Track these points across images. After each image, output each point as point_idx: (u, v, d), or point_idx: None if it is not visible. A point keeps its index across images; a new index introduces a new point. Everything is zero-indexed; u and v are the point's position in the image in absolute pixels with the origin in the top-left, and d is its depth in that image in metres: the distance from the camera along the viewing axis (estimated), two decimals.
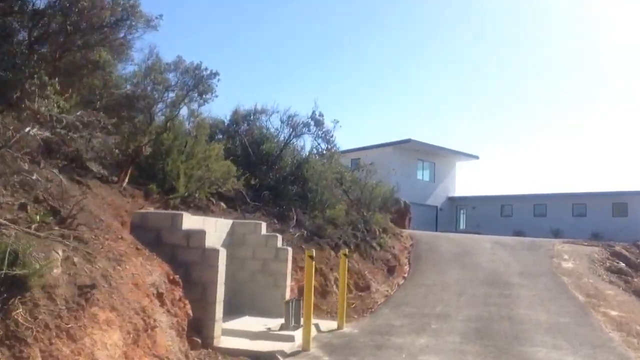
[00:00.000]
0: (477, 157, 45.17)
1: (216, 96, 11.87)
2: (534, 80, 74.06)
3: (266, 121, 17.46)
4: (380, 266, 15.65)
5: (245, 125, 16.88)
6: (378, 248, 16.54)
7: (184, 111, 12.40)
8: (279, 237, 10.83)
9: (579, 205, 40.15)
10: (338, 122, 16.92)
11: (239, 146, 16.37)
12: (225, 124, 16.95)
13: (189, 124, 12.67)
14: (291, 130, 16.63)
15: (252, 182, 14.49)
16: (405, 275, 16.37)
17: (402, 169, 41.30)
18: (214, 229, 10.07)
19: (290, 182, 16.17)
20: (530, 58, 72.98)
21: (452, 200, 45.14)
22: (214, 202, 12.89)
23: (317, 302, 12.15)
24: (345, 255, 11.11)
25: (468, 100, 73.57)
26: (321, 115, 16.63)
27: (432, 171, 44.08)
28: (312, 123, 16.71)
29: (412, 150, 41.67)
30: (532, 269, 16.97)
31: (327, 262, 13.43)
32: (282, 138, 16.87)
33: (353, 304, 12.63)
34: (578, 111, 74.86)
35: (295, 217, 14.47)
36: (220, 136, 16.54)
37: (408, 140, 39.40)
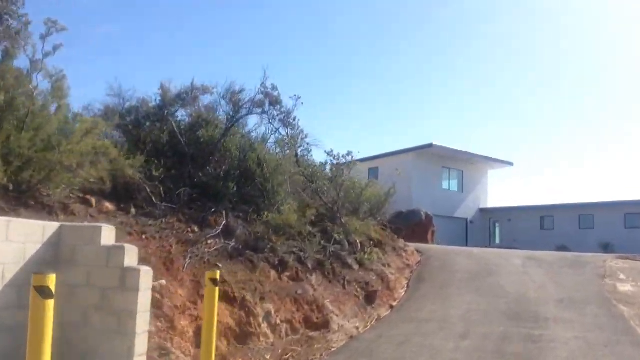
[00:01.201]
0: (511, 164, 39.95)
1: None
2: (573, 79, 68.09)
3: (213, 102, 13.22)
4: (354, 292, 11.05)
5: (178, 107, 12.67)
6: (356, 266, 11.96)
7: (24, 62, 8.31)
8: (131, 249, 6.39)
9: (633, 216, 34.43)
10: (299, 98, 12.55)
11: (166, 134, 12.15)
12: (155, 106, 12.76)
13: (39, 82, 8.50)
14: (234, 109, 12.33)
15: (156, 173, 10.19)
16: (394, 303, 11.72)
17: (424, 178, 36.51)
18: (4, 237, 5.83)
19: (234, 177, 11.82)
20: (569, 55, 67.17)
21: (484, 212, 39.96)
22: (81, 198, 8.65)
23: (231, 352, 7.73)
24: (212, 280, 6.56)
25: (497, 101, 67.88)
26: (274, 88, 12.32)
27: (460, 180, 39.08)
28: (267, 102, 12.40)
29: (435, 157, 36.85)
30: (575, 294, 12.08)
31: (258, 289, 8.96)
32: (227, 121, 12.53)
33: (289, 353, 8.11)
34: (626, 111, 68.25)
35: (224, 222, 10.11)
36: (144, 120, 12.38)
37: (430, 145, 34.65)
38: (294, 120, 12.63)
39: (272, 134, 13.10)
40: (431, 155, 36.58)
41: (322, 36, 68.18)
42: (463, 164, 38.81)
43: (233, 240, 9.72)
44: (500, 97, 67.30)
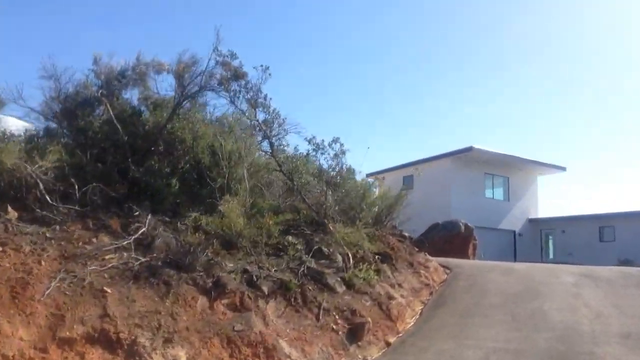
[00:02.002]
0: (563, 169, 35.82)
1: None
2: (633, 75, 62.62)
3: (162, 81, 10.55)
4: (332, 324, 8.02)
5: (121, 86, 10.05)
6: (340, 289, 8.92)
7: None
8: None
9: None
10: (267, 69, 9.65)
11: (104, 120, 9.56)
12: (95, 88, 10.19)
13: None
14: (180, 85, 9.58)
15: (44, 163, 7.51)
16: (393, 339, 8.62)
17: (464, 185, 32.91)
18: None
19: (181, 172, 9.08)
20: (632, 48, 61.88)
21: (534, 222, 35.89)
22: None
23: None
24: None
25: (546, 101, 62.98)
26: (233, 56, 9.46)
27: (506, 188, 35.23)
28: (229, 75, 9.58)
29: (477, 162, 33.23)
30: None
31: (165, 325, 6.09)
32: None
33: None
34: None
35: (146, 227, 7.34)
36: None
37: (470, 149, 31.09)
38: (265, 99, 9.79)
39: (239, 118, 10.23)
40: (471, 160, 32.99)
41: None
42: (508, 170, 34.98)
43: (147, 255, 6.90)
44: (549, 96, 62.47)
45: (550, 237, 36.06)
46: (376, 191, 13.18)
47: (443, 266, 14.90)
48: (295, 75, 65.19)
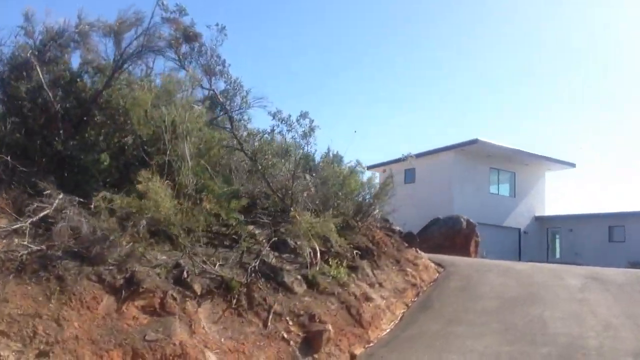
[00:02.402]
0: (573, 165, 34.12)
1: None
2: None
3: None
4: (283, 332, 6.60)
5: (55, 48, 8.64)
6: (300, 288, 7.49)
7: None
8: None
9: None
10: (224, 29, 8.17)
11: (33, 86, 8.16)
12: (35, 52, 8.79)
13: None
14: (118, 46, 8.14)
15: None
16: (359, 350, 7.19)
17: (468, 180, 31.31)
18: None
19: (118, 146, 7.68)
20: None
21: (540, 220, 34.25)
22: None
23: None
24: None
25: (555, 95, 61.05)
26: (182, 11, 7.96)
27: (512, 183, 33.58)
28: (178, 36, 8.15)
29: (481, 156, 31.62)
30: None
31: (44, 332, 4.71)
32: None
33: None
34: None
35: (52, 209, 5.95)
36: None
37: (475, 141, 29.41)
38: (224, 65, 8.36)
39: (193, 87, 8.78)
40: (476, 154, 31.37)
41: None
42: (515, 165, 33.32)
43: (46, 242, 5.51)
44: (559, 90, 60.50)
45: (557, 236, 34.45)
46: (363, 179, 11.72)
47: (436, 264, 13.47)
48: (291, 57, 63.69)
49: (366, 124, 59.30)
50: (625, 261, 28.86)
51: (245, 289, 6.70)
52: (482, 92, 60.63)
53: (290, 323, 6.76)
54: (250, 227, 8.62)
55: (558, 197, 44.35)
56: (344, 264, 8.83)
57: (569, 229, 33.15)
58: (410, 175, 33.63)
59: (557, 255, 33.82)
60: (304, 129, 8.69)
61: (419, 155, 33.31)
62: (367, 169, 37.00)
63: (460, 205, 29.95)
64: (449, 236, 26.24)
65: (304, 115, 8.57)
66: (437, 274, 12.44)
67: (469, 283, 11.70)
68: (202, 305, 6.13)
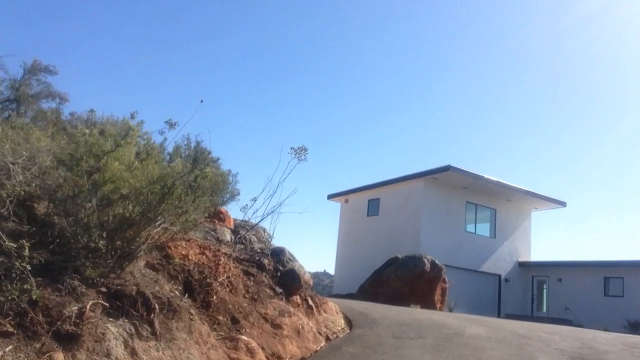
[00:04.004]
0: (563, 204, 29.51)
1: None
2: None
3: None
4: None
5: None
6: None
7: None
8: None
9: None
10: None
11: None
12: None
13: None
14: None
15: None
16: None
17: (439, 214, 26.52)
18: None
19: None
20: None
21: (525, 267, 29.42)
22: None
23: None
24: None
25: (542, 133, 56.82)
26: None
27: (492, 221, 28.86)
28: None
29: (456, 188, 27.00)
30: None
31: None
32: None
33: None
34: None
35: None
36: None
37: (447, 168, 24.75)
38: None
39: None
40: (449, 185, 26.74)
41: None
42: (496, 200, 28.70)
43: None
44: (550, 128, 56.35)
45: (545, 286, 29.47)
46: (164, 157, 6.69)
47: (331, 326, 8.57)
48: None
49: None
50: (624, 319, 23.91)
51: None
52: (466, 124, 56.49)
53: None
54: None
55: (546, 240, 39.52)
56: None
57: (558, 278, 28.26)
58: (374, 207, 28.86)
59: (544, 309, 28.80)
60: None
61: (384, 184, 28.72)
62: (327, 199, 32.23)
63: (429, 243, 25.13)
64: (408, 281, 21.32)
65: None
66: (323, 343, 7.52)
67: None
68: None
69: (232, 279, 6.98)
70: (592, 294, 26.55)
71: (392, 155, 55.81)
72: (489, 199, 28.27)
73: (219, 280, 6.61)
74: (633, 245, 50.38)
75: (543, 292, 29.55)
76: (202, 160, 5.96)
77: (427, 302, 20.98)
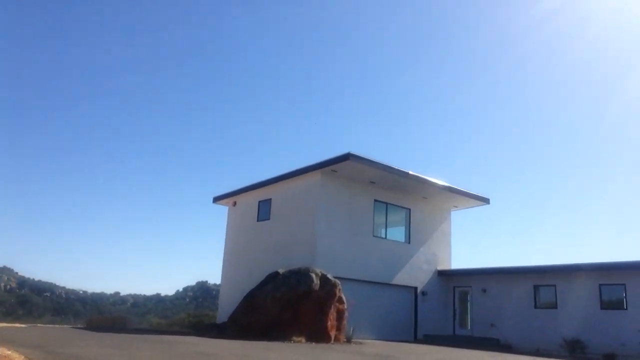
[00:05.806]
0: (486, 201, 25.24)
1: None
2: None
3: None
4: None
5: None
6: None
7: None
8: None
9: None
10: None
11: None
12: None
13: None
14: None
15: None
16: None
17: (339, 215, 21.42)
18: None
19: None
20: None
21: (445, 276, 24.89)
22: None
23: None
24: None
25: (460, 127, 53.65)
26: None
27: (406, 223, 24.14)
28: None
29: (361, 182, 22.09)
30: None
31: None
32: None
33: None
34: None
35: None
36: None
37: (346, 157, 19.64)
38: None
39: None
40: (352, 178, 21.80)
41: None
42: (411, 199, 24.09)
43: None
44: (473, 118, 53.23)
45: (468, 298, 25.01)
46: None
47: None
48: None
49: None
50: (559, 337, 19.67)
51: None
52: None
53: None
54: None
55: (468, 244, 35.69)
56: None
57: (482, 288, 23.85)
58: (265, 210, 23.45)
59: (468, 326, 24.34)
60: None
61: (277, 180, 23.48)
62: (213, 202, 26.57)
63: (327, 252, 20.02)
64: (290, 304, 15.97)
65: None
66: None
67: None
68: None
69: None
70: (521, 306, 22.30)
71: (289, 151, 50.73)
72: (401, 197, 23.61)
73: None
74: (565, 247, 47.34)
75: (467, 306, 25.12)
76: None
77: (317, 332, 15.82)
